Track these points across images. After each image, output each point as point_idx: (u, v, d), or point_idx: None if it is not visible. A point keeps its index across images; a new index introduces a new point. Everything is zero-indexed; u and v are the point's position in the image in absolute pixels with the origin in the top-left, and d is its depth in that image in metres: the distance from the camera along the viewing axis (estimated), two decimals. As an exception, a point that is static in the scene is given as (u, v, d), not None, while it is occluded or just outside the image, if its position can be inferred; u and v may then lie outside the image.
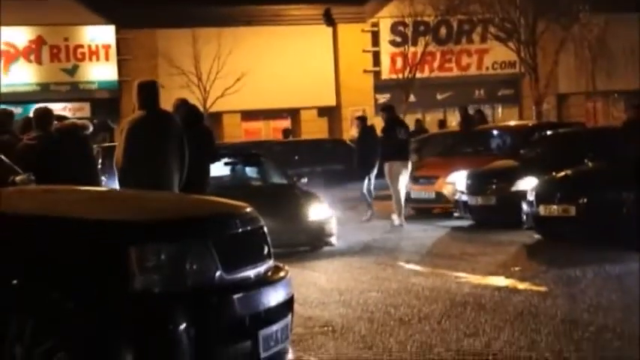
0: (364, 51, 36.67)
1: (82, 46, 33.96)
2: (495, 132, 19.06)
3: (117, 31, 34.14)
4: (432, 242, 14.12)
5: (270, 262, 5.67)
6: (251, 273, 5.35)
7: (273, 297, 5.40)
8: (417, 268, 11.79)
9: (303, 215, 13.16)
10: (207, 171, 10.64)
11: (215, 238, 5.11)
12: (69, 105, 33.14)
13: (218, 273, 5.04)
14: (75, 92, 33.51)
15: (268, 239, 5.71)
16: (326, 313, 9.07)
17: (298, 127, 35.80)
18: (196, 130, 10.60)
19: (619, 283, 10.11)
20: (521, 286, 10.28)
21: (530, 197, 13.55)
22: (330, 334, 8.05)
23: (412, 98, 37.50)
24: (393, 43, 36.64)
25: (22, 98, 31.83)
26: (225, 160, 14.37)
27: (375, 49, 36.89)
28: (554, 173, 14.00)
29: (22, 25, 32.91)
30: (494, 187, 15.63)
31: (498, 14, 31.16)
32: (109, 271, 4.77)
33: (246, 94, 33.77)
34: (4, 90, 30.53)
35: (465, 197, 15.88)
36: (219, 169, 13.98)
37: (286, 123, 35.71)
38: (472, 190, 15.79)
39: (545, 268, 11.42)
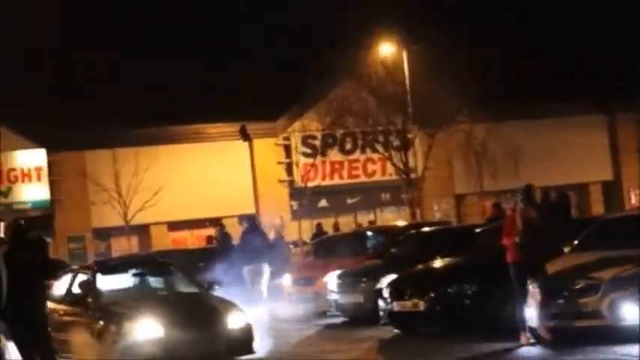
0: (278, 162, 36.52)
1: (15, 169, 33.35)
2: (370, 233, 18.76)
3: (47, 154, 33.61)
4: (299, 341, 13.55)
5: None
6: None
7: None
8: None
9: (222, 324, 11.66)
10: (42, 285, 10.09)
11: None
12: (3, 224, 32.23)
13: None
14: (9, 212, 32.49)
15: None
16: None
17: (221, 234, 35.28)
18: (25, 247, 10.09)
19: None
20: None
21: (385, 294, 13.20)
22: None
23: (325, 203, 37.47)
24: (304, 154, 36.52)
25: (-42, 220, 31.05)
26: (134, 270, 13.43)
27: (288, 160, 36.75)
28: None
29: (-42, 152, 32.36)
30: (362, 285, 15.20)
31: (368, 125, 32.08)
32: None
33: (171, 206, 33.46)
34: (-59, 213, 29.79)
35: (335, 296, 15.45)
36: (127, 279, 13.30)
37: (210, 231, 35.14)
38: (342, 289, 15.40)
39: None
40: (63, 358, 12.57)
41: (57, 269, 10.84)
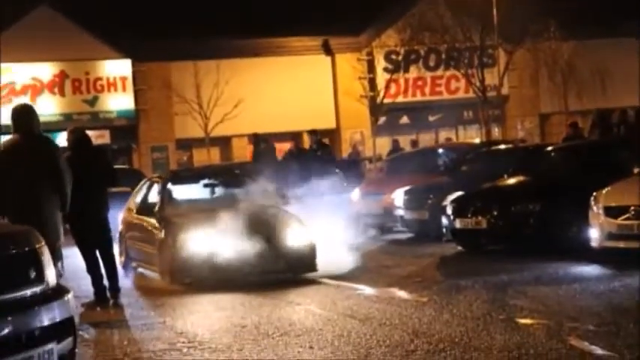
0: (360, 78, 36.21)
1: (101, 79, 33.90)
2: (441, 151, 18.52)
3: (133, 64, 34.03)
4: (360, 255, 13.32)
5: (42, 286, 5.22)
6: (3, 298, 4.90)
7: (32, 322, 4.96)
8: (328, 281, 11.22)
9: (284, 240, 11.28)
10: (103, 191, 10.26)
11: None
12: (90, 132, 32.91)
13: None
14: (95, 121, 33.30)
15: (42, 261, 5.26)
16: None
17: (301, 148, 35.43)
18: (86, 153, 10.25)
19: (498, 293, 9.55)
20: (407, 296, 9.79)
21: (448, 211, 13.08)
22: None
23: (406, 120, 37.21)
24: (386, 70, 36.12)
25: (47, 128, 31.63)
26: (205, 180, 13.28)
27: (370, 75, 36.43)
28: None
29: (47, 61, 33.01)
30: (428, 201, 15.08)
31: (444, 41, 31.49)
32: None
33: (252, 119, 33.59)
34: (30, 120, 30.55)
35: (402, 212, 15.39)
36: (197, 189, 13.17)
37: (289, 145, 35.30)
38: (408, 205, 15.31)
39: (442, 279, 10.94)
40: (141, 268, 12.82)
41: (118, 176, 10.83)
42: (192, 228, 11.27)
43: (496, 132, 37.49)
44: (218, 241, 11.06)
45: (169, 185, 12.95)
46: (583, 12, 29.73)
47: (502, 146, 17.46)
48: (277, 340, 7.74)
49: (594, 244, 11.13)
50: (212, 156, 33.85)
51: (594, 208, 11.15)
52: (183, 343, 7.88)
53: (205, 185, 13.31)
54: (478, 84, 31.81)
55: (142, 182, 14.43)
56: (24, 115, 8.72)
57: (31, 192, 8.38)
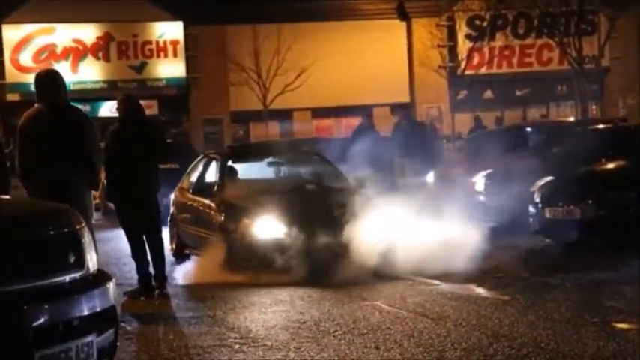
0: (439, 46, 36.05)
1: (150, 43, 34.31)
2: (529, 130, 18.30)
3: (185, 27, 34.33)
4: (435, 247, 13.27)
5: (82, 272, 5.30)
6: (40, 283, 4.99)
7: (71, 311, 5.04)
8: (398, 275, 11.18)
9: (356, 228, 11.05)
10: (154, 169, 10.31)
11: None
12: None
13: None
14: (143, 89, 33.57)
15: (82, 244, 5.35)
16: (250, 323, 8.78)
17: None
18: (138, 125, 10.30)
19: (591, 293, 9.46)
20: (487, 294, 9.81)
21: (536, 199, 12.98)
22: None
23: (490, 94, 36.94)
24: (469, 37, 35.89)
25: (89, 96, 32.45)
26: (271, 159, 13.38)
27: (451, 43, 36.24)
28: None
29: (90, 22, 33.47)
30: (513, 187, 14.91)
31: (539, 5, 31.53)
32: None
33: (316, 91, 33.72)
34: (72, 87, 31.11)
35: (482, 198, 15.30)
36: (261, 169, 13.25)
37: (358, 120, 35.33)
38: (490, 190, 15.20)
39: (527, 275, 10.87)
40: (195, 254, 12.89)
41: (169, 152, 10.75)
42: (256, 212, 11.28)
43: (593, 109, 36.96)
44: (284, 227, 11.03)
45: (230, 163, 13.02)
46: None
47: (600, 125, 17.21)
48: (339, 338, 7.78)
49: None
50: (271, 131, 34.01)
51: None
52: (235, 339, 7.96)
53: (270, 164, 13.39)
54: (574, 54, 31.32)
55: (198, 159, 14.50)
56: (49, 82, 8.64)
57: (58, 169, 8.33)
